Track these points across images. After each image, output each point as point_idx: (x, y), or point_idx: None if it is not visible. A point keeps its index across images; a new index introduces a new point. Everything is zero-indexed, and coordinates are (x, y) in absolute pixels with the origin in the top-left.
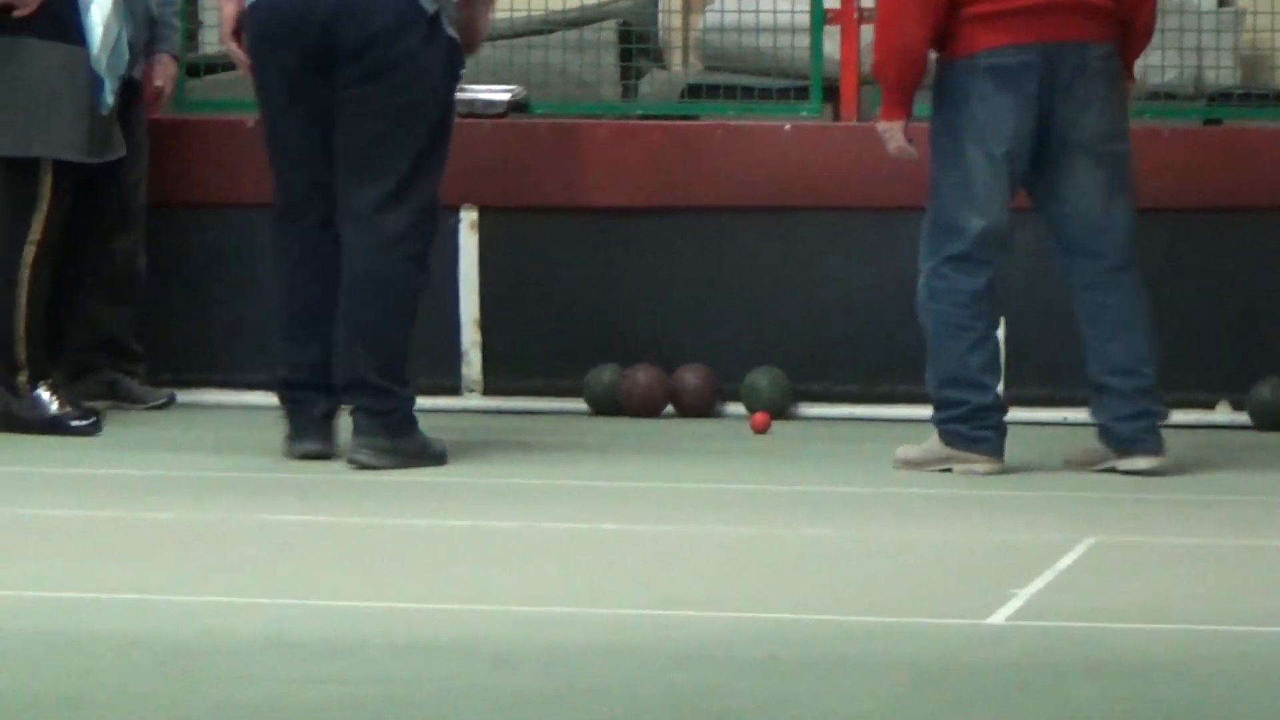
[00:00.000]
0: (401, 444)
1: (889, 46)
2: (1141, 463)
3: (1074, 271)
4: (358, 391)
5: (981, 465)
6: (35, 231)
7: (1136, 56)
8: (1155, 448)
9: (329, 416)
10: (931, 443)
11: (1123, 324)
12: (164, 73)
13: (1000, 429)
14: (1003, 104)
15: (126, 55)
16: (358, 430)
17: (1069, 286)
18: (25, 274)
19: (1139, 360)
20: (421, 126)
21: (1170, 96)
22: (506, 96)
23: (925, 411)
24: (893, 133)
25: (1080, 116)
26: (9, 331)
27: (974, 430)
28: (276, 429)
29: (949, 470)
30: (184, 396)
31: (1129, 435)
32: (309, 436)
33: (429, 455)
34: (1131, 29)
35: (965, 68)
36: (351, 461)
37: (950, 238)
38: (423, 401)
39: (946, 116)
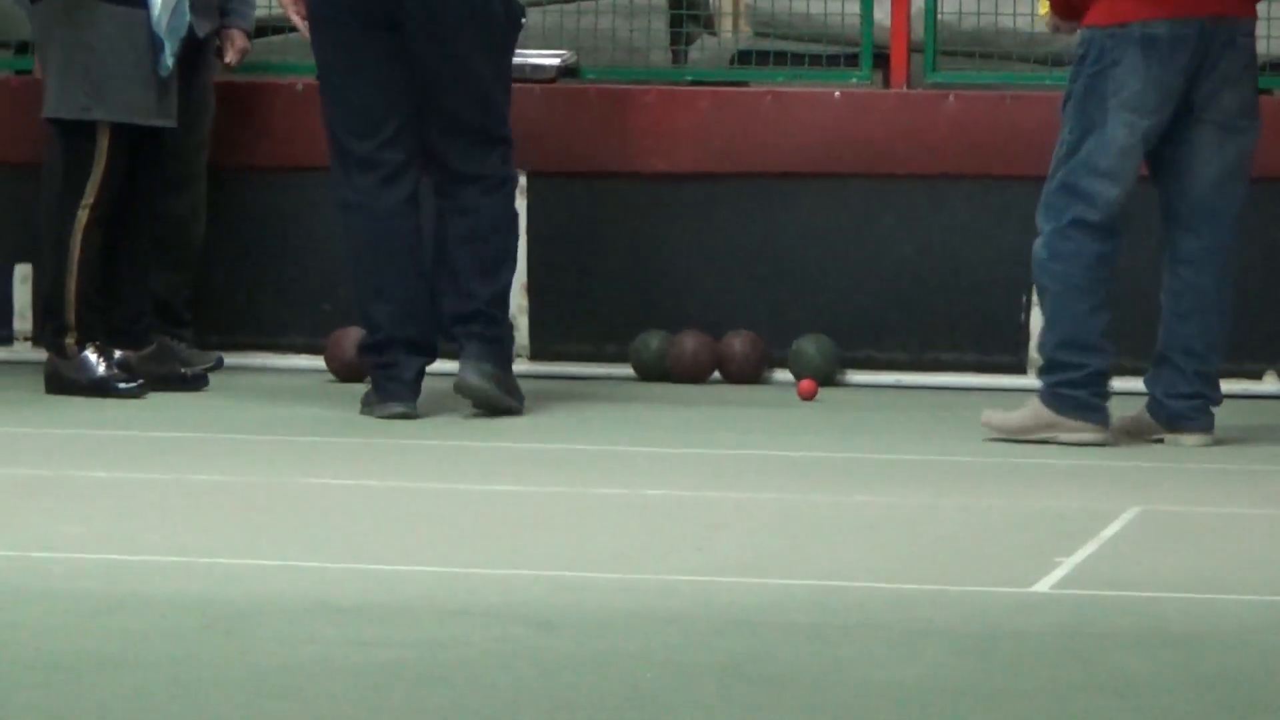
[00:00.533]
0: (505, 375)
1: None
2: (1190, 440)
3: (1173, 244)
4: (473, 320)
5: (1092, 434)
6: (89, 195)
7: None
8: (1206, 426)
9: (418, 377)
10: (1034, 408)
11: (1204, 305)
12: (234, 47)
13: (1108, 398)
14: (1152, 75)
15: (187, 17)
16: (467, 356)
17: (1165, 259)
18: (78, 237)
19: (1209, 345)
20: (494, 73)
21: None
22: (556, 61)
23: (972, 379)
24: (1052, 23)
25: (1220, 93)
26: (59, 294)
27: (1089, 396)
28: (359, 391)
29: (1047, 441)
30: (233, 359)
31: (1180, 412)
32: (396, 397)
33: (518, 395)
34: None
35: (1119, 36)
36: (459, 384)
37: (1081, 202)
38: None
39: (1093, 83)
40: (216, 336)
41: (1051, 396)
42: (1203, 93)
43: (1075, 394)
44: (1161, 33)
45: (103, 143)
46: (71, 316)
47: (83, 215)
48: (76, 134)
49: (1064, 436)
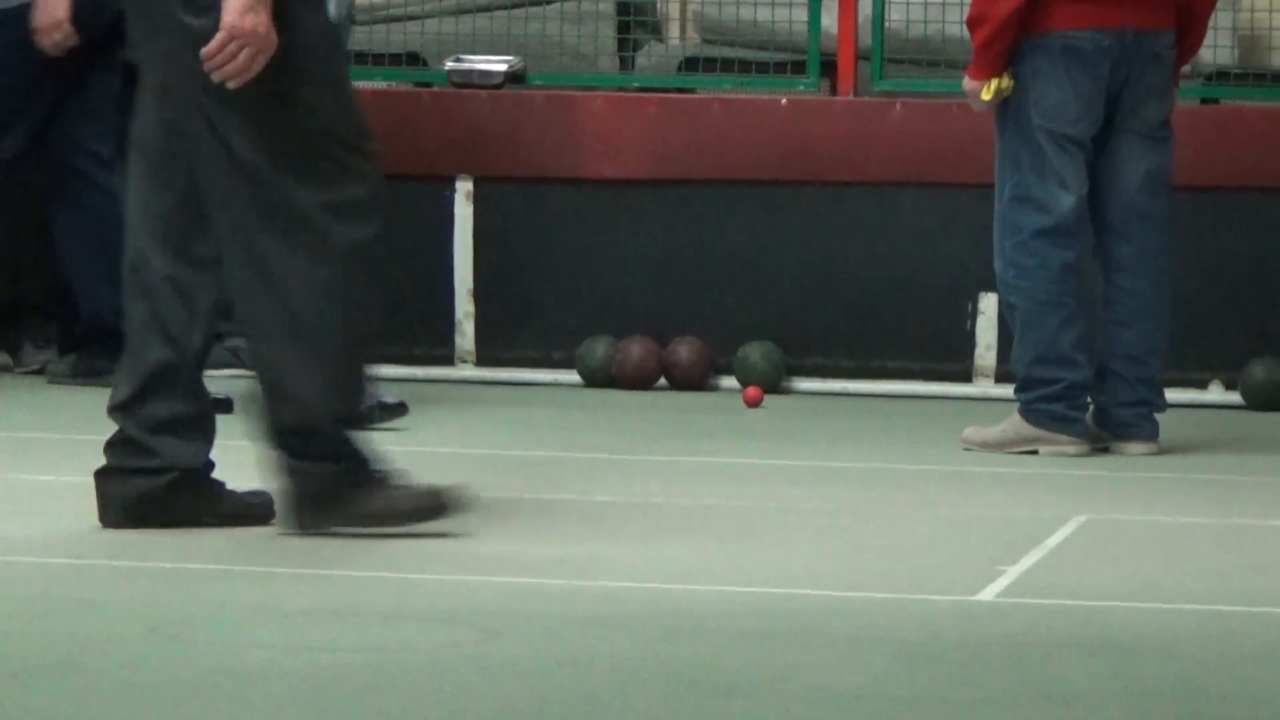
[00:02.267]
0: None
1: (983, 5)
2: (1136, 449)
3: (1106, 252)
4: None
5: (1072, 447)
6: None
7: (1196, 49)
8: (1150, 434)
9: None
10: (1014, 423)
11: (1142, 311)
12: None
13: (1087, 409)
14: (1073, 86)
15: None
16: None
17: (1100, 268)
18: None
19: (1149, 351)
20: None
21: None
22: (503, 68)
23: (918, 387)
24: (974, 92)
25: (1144, 104)
26: None
27: (1067, 410)
28: None
29: (1034, 452)
30: None
31: (1125, 420)
32: None
33: None
34: (1190, 17)
35: (1041, 45)
36: None
37: (1037, 212)
38: (416, 371)
39: (1018, 93)
40: None
41: (1029, 412)
42: (1126, 105)
43: (1052, 408)
44: (1083, 43)
45: None
46: None
47: None
48: None
49: (1045, 450)
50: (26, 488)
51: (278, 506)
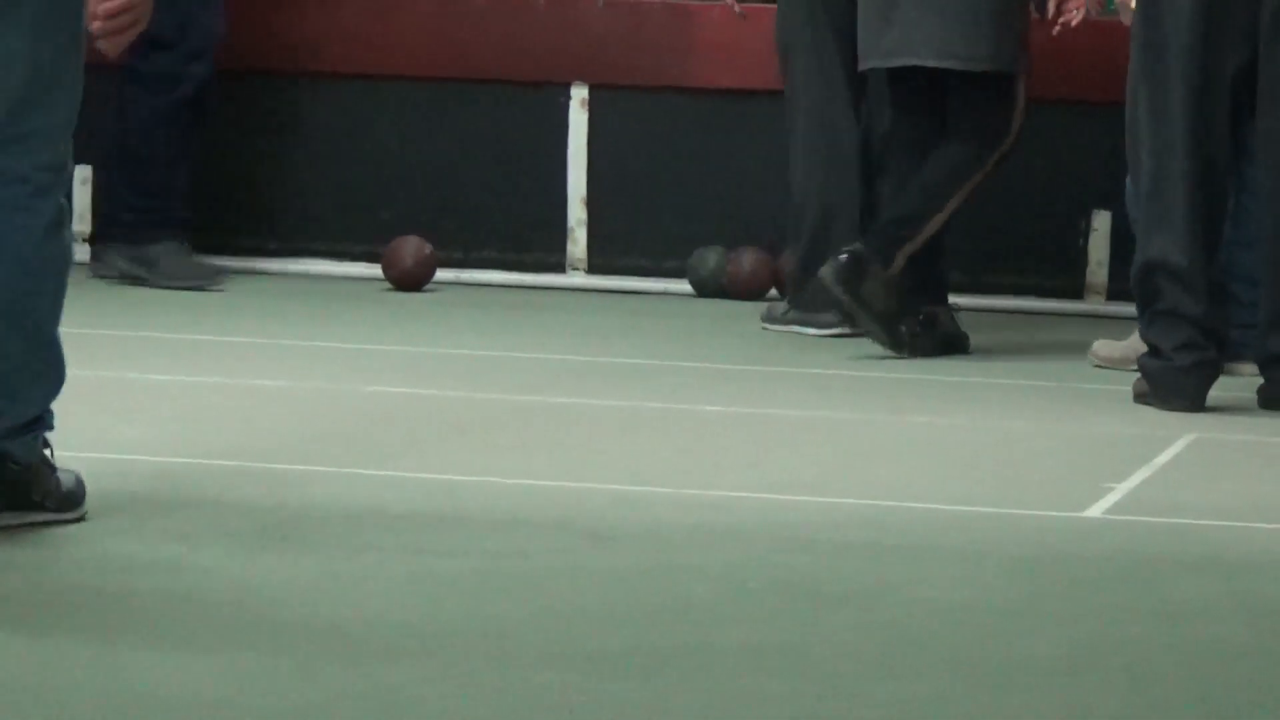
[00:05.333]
0: None
1: None
2: (1247, 369)
3: (1240, 174)
4: None
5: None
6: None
7: None
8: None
9: None
10: (1136, 340)
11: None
12: None
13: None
14: None
15: None
16: None
17: (1231, 186)
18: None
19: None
20: None
21: None
22: None
23: (1030, 303)
24: (1125, 5)
25: None
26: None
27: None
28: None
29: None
30: (293, 264)
31: (1240, 340)
32: None
33: None
34: None
35: None
36: None
37: None
38: (525, 278)
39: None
40: (276, 242)
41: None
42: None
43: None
44: None
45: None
46: None
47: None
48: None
49: None
50: (137, 386)
51: None
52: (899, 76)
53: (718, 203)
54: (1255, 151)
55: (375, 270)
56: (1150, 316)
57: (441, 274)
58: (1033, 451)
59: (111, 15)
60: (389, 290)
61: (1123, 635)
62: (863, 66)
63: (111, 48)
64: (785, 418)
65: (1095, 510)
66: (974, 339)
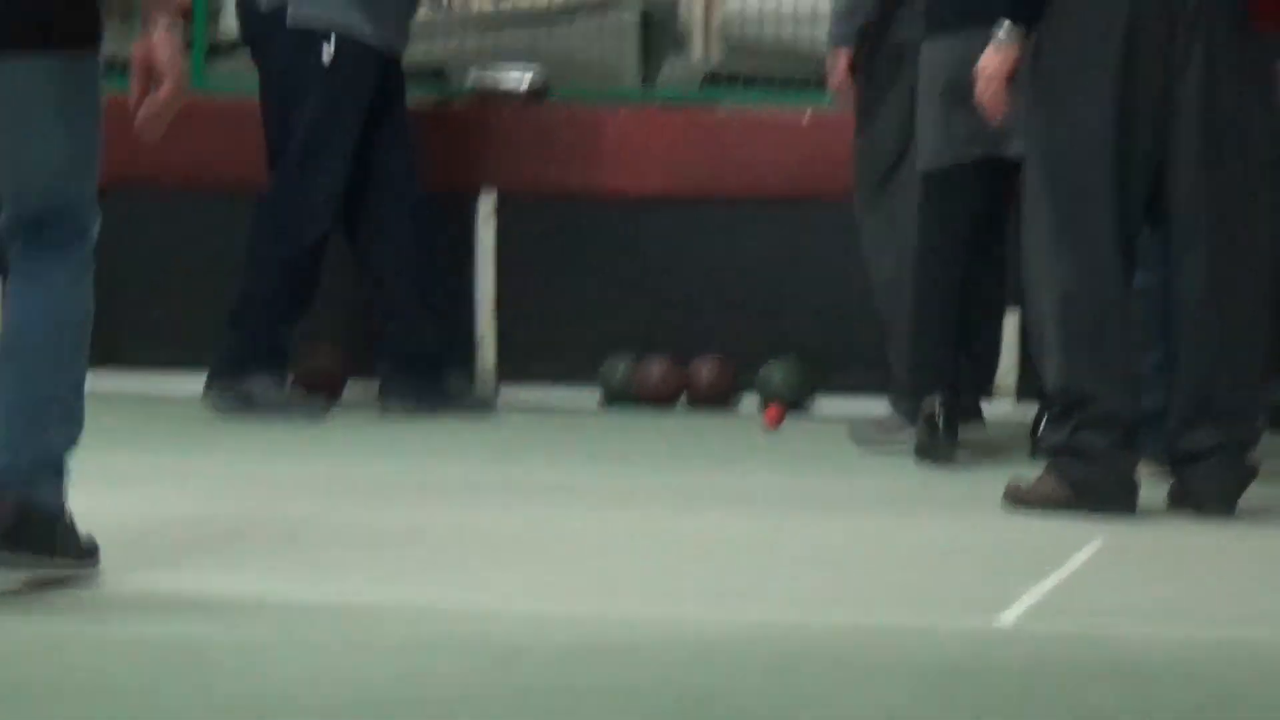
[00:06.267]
0: None
1: None
2: (1145, 468)
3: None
4: None
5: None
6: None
7: None
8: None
9: None
10: None
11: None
12: None
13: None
14: None
15: None
16: None
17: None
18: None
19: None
20: None
21: None
22: (527, 81)
23: None
24: None
25: None
26: None
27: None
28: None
29: None
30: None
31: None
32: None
33: None
34: None
35: None
36: None
37: None
38: None
39: None
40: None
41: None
42: None
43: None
44: None
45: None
46: None
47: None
48: None
49: None
50: None
51: None
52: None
53: (627, 310)
54: (1164, 258)
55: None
56: (1084, 420)
57: (351, 386)
58: (943, 558)
59: (156, 115)
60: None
61: None
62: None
63: (153, 134)
64: (689, 530)
65: (1007, 618)
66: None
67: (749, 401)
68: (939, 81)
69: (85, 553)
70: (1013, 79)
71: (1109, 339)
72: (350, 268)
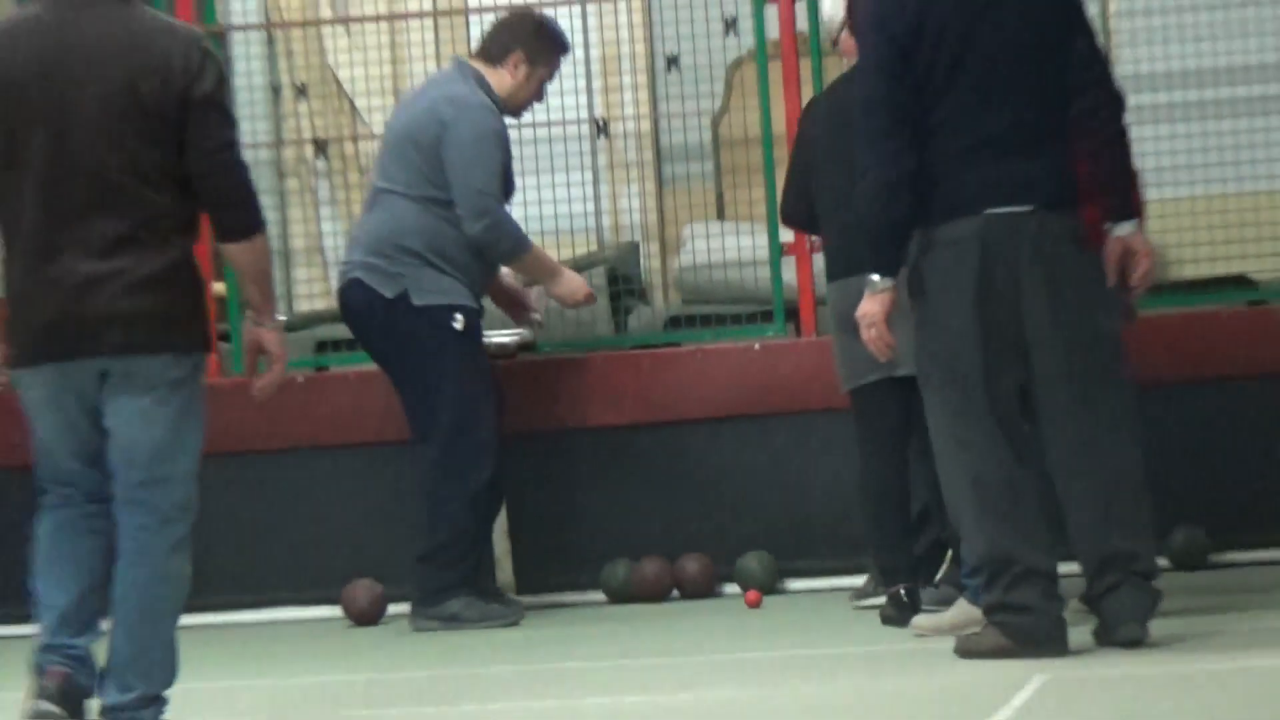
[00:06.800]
0: None
1: None
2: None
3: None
4: None
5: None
6: None
7: None
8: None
9: None
10: (962, 608)
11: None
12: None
13: None
14: None
15: None
16: None
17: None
18: None
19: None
20: None
21: None
22: (515, 339)
23: None
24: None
25: None
26: None
27: None
28: None
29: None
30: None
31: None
32: None
33: None
34: None
35: None
36: None
37: None
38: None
39: None
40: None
41: (974, 595)
42: None
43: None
44: None
45: None
46: None
47: None
48: None
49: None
50: None
51: None
52: None
53: (620, 521)
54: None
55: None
56: (1013, 579)
57: (392, 609)
58: (910, 704)
59: (267, 387)
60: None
61: None
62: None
63: (264, 397)
64: (689, 700)
65: None
66: (841, 614)
67: (731, 589)
68: (839, 318)
69: None
70: (890, 314)
71: (1020, 507)
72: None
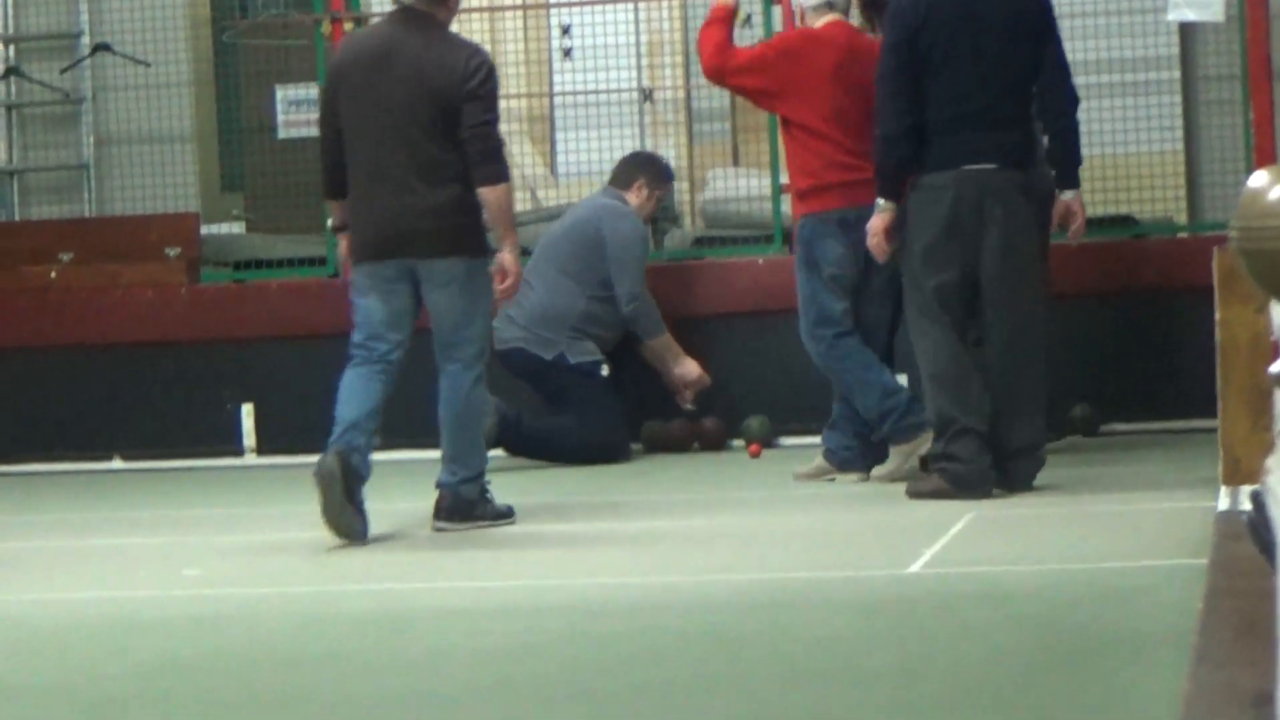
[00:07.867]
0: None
1: None
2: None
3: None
4: None
5: (855, 476)
6: None
7: None
8: (859, 466)
9: None
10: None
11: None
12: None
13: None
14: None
15: None
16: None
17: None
18: None
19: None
20: None
21: None
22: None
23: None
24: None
25: None
26: None
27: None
28: None
29: (832, 480)
30: None
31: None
32: None
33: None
34: None
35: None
36: None
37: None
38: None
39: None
40: None
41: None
42: None
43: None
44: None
45: None
46: None
47: None
48: None
49: (840, 479)
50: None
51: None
52: None
53: (655, 392)
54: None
55: None
56: (952, 435)
57: None
58: (863, 532)
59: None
60: None
61: (940, 648)
62: None
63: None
64: (704, 526)
65: (915, 567)
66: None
67: (737, 443)
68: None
69: (502, 514)
70: (891, 231)
71: (962, 382)
72: None
